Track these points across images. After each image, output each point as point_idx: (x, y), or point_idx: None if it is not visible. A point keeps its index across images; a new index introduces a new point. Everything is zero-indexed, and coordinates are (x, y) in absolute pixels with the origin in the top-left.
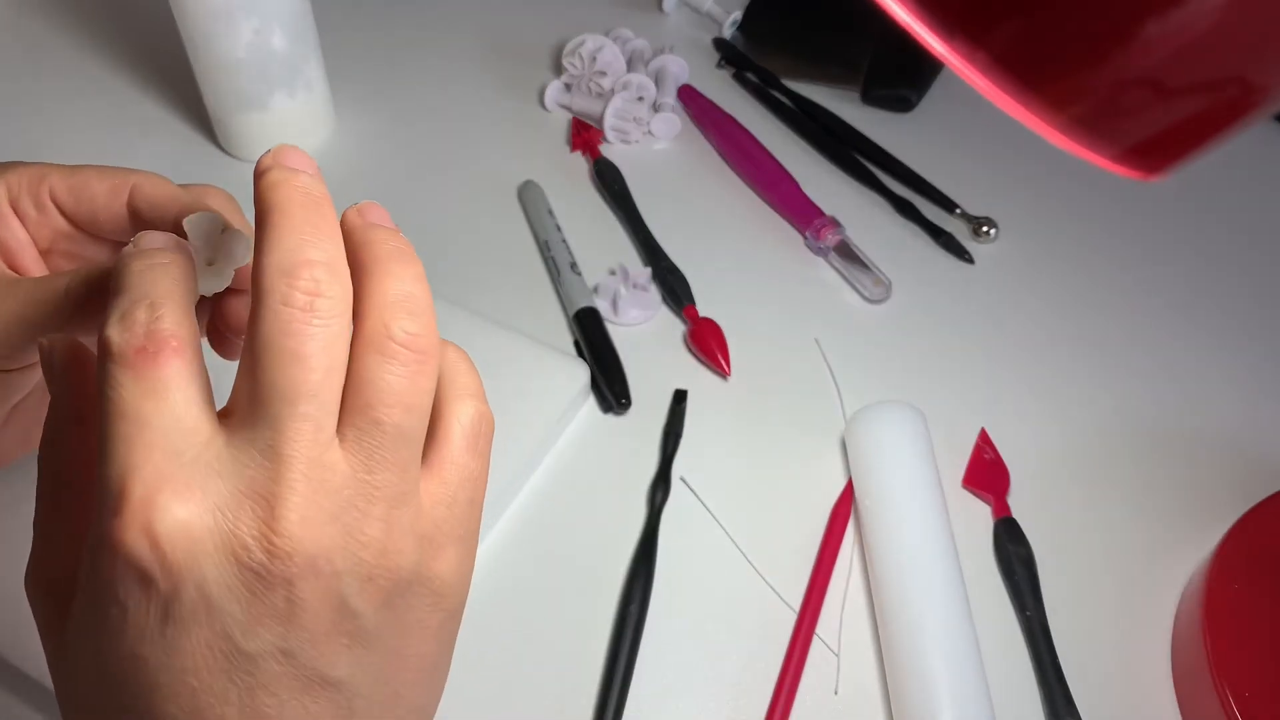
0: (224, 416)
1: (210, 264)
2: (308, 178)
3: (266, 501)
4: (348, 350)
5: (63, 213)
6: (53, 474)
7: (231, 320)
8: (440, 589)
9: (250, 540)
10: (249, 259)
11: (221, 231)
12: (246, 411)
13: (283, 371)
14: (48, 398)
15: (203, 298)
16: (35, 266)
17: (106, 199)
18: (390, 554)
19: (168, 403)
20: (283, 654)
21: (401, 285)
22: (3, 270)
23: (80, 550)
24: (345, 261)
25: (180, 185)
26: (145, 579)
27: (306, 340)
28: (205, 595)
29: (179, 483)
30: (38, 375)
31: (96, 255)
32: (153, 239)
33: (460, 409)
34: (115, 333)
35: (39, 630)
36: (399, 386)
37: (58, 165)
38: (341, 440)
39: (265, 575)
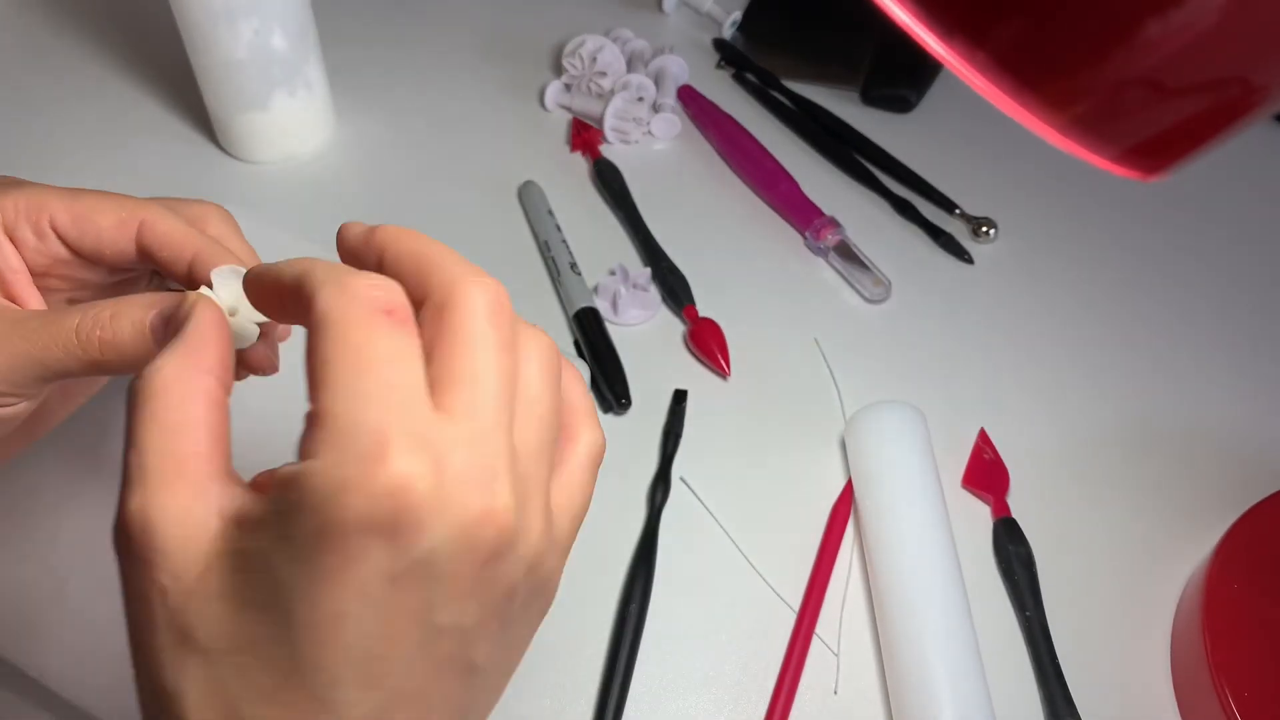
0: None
1: (233, 314)
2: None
3: (490, 476)
4: None
5: (64, 241)
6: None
7: (253, 363)
8: (554, 589)
9: (477, 513)
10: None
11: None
12: (458, 390)
13: (485, 361)
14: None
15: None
16: (30, 293)
17: (113, 233)
18: (551, 547)
19: (412, 367)
20: (460, 632)
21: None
22: (1, 303)
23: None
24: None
25: (175, 200)
26: (391, 531)
27: (499, 341)
28: (431, 562)
29: (429, 450)
30: (34, 406)
31: (93, 279)
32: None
33: (588, 439)
34: (361, 285)
35: (140, 559)
36: (550, 395)
37: (58, 190)
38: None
39: (483, 545)
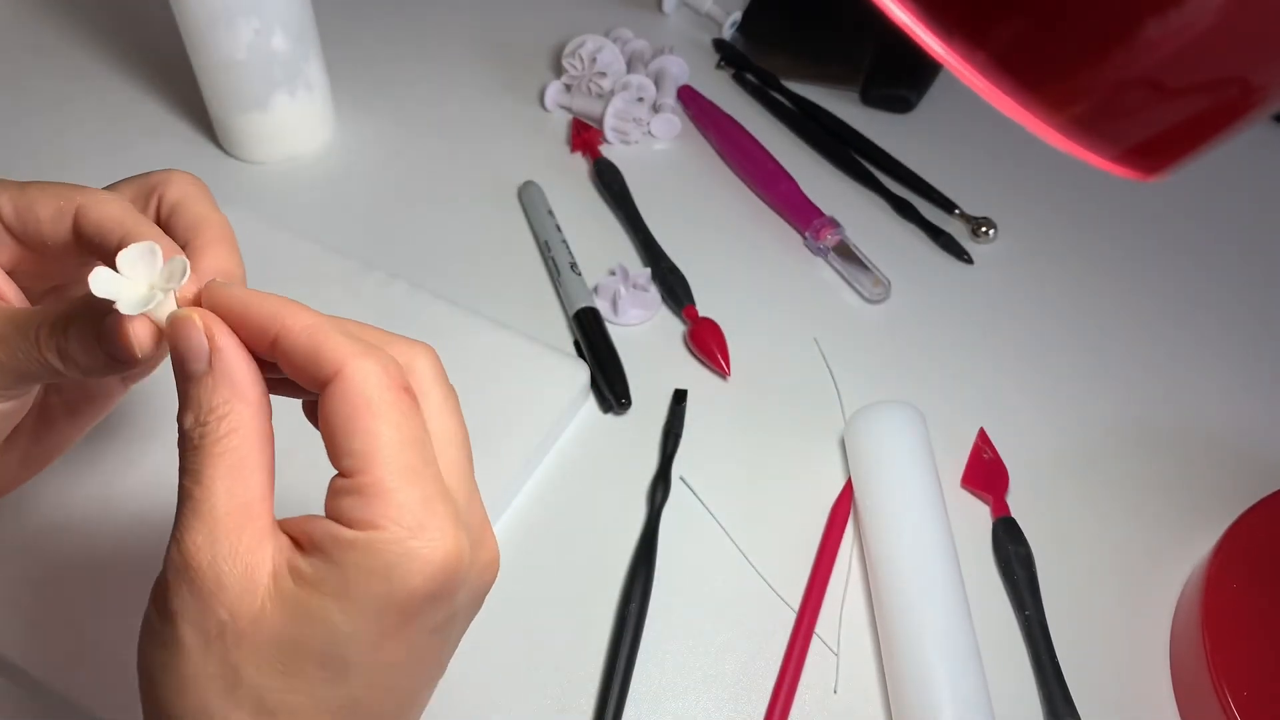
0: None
1: (147, 304)
2: None
3: (484, 531)
4: None
5: (11, 235)
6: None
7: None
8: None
9: (488, 562)
10: (183, 282)
11: (163, 260)
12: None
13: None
14: (41, 424)
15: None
16: (6, 287)
17: (51, 224)
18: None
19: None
20: (449, 619)
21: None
22: None
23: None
24: None
25: (145, 174)
26: (446, 595)
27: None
28: (456, 613)
29: (461, 518)
30: (22, 406)
31: (63, 270)
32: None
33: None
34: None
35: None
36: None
37: (10, 183)
38: None
39: (487, 588)
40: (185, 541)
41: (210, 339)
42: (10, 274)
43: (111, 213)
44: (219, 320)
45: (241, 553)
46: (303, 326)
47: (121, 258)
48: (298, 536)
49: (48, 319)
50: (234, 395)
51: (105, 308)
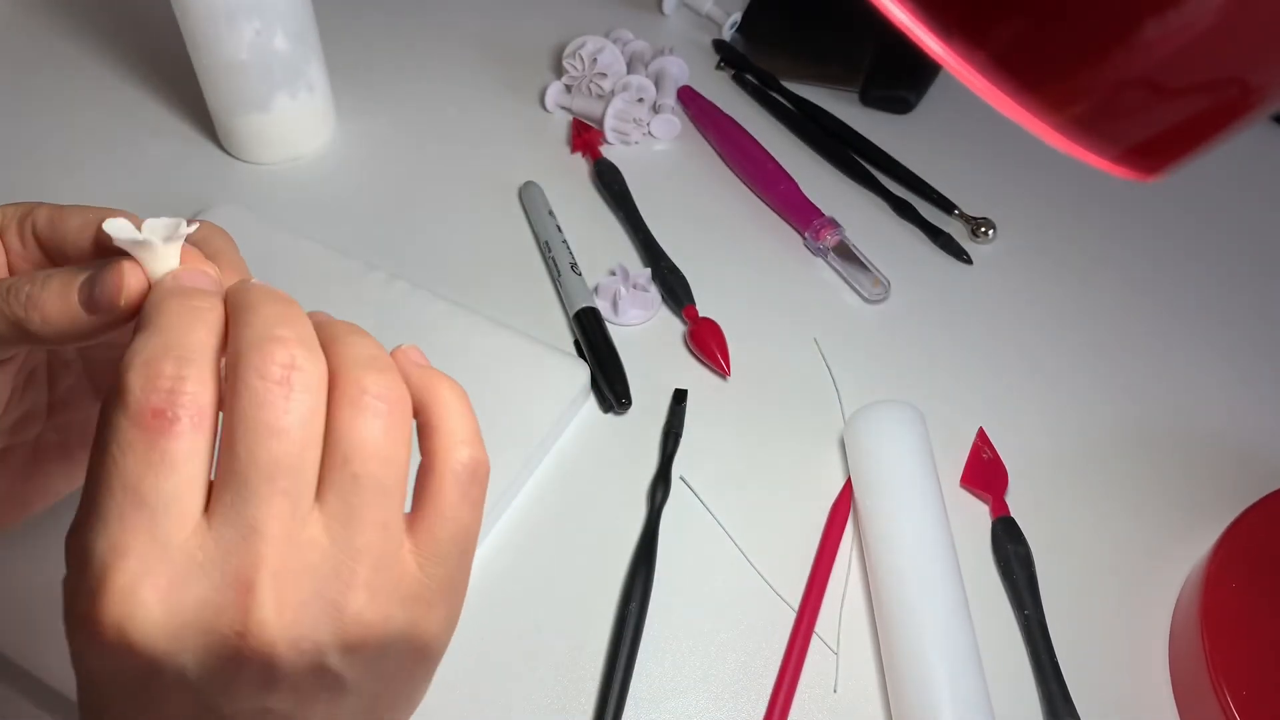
0: (212, 490)
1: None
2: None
3: (246, 589)
4: (324, 425)
5: (38, 241)
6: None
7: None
8: (427, 644)
9: (230, 633)
10: (190, 231)
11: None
12: (228, 487)
13: (261, 446)
14: (33, 463)
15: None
16: None
17: (76, 234)
18: (374, 623)
19: (170, 482)
20: (264, 711)
21: (365, 349)
22: None
23: None
24: (317, 340)
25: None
26: (120, 661)
27: (283, 414)
28: (182, 677)
29: (162, 577)
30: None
31: None
32: (194, 277)
33: (453, 456)
34: (136, 380)
35: None
36: (375, 439)
37: (54, 204)
38: (321, 506)
39: (246, 659)
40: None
41: None
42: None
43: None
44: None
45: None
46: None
47: (148, 223)
48: None
49: (24, 276)
50: None
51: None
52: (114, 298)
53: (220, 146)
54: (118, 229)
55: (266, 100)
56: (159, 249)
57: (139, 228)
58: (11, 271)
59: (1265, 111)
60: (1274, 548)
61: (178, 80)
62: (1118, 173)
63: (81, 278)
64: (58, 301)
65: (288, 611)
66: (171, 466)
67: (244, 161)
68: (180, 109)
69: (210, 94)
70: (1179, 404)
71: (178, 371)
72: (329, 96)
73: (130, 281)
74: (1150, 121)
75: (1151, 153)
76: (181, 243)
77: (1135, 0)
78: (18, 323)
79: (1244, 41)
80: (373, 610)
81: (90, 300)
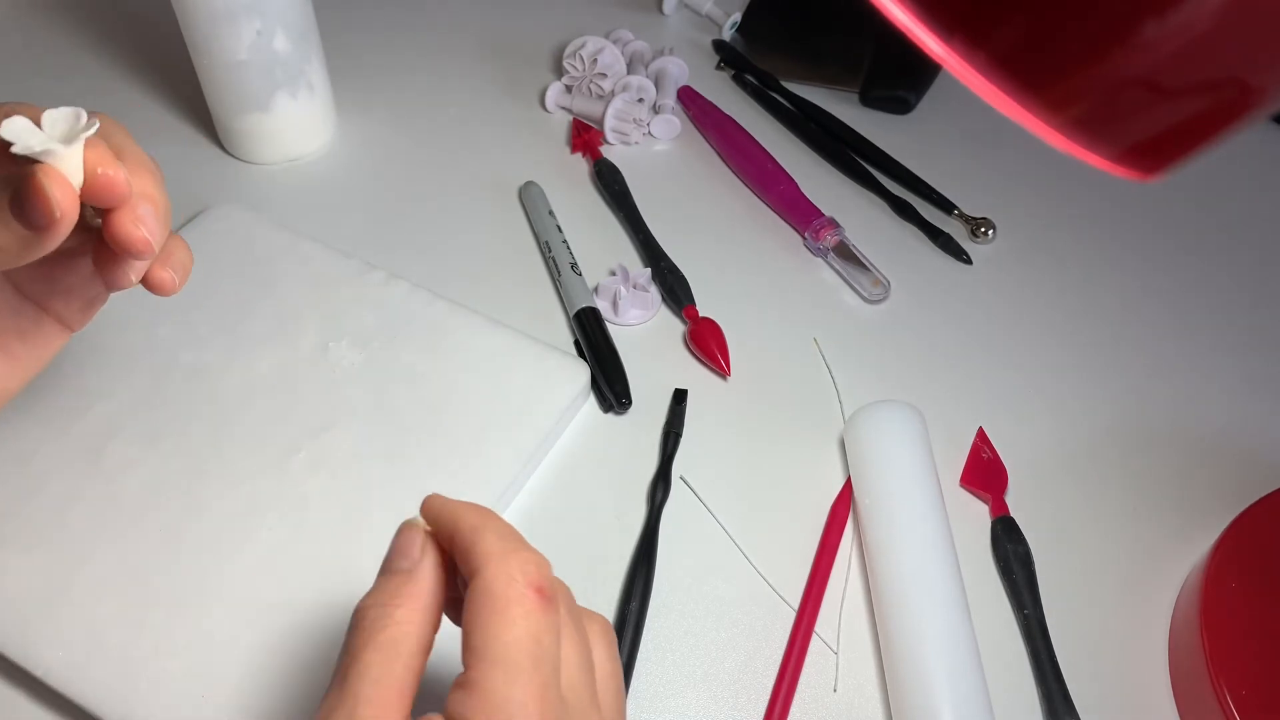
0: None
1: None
2: None
3: None
4: None
5: None
6: None
7: (118, 234)
8: None
9: None
10: (90, 133)
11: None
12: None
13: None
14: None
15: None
16: None
17: None
18: None
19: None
20: None
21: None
22: None
23: None
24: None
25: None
26: None
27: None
28: None
29: None
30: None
31: (66, 276)
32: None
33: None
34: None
35: None
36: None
37: None
38: None
39: None
40: (326, 714)
41: (423, 553)
42: (18, 275)
43: None
44: (432, 535)
45: None
46: (469, 527)
47: (46, 116)
48: None
49: None
50: (416, 602)
51: (24, 172)
52: (49, 215)
53: (220, 147)
54: (18, 136)
55: (267, 100)
56: (63, 154)
57: (38, 121)
58: None
59: (1265, 111)
60: (1274, 548)
61: (178, 80)
62: (1118, 173)
63: (4, 200)
64: (2, 230)
65: None
66: (554, 634)
67: (244, 162)
68: (180, 109)
69: (210, 94)
70: (1179, 404)
71: (540, 564)
72: (329, 97)
73: (55, 194)
74: (1150, 121)
75: (1151, 153)
76: (83, 142)
77: (1135, 1)
78: None
79: (1244, 42)
80: None
81: (27, 220)
